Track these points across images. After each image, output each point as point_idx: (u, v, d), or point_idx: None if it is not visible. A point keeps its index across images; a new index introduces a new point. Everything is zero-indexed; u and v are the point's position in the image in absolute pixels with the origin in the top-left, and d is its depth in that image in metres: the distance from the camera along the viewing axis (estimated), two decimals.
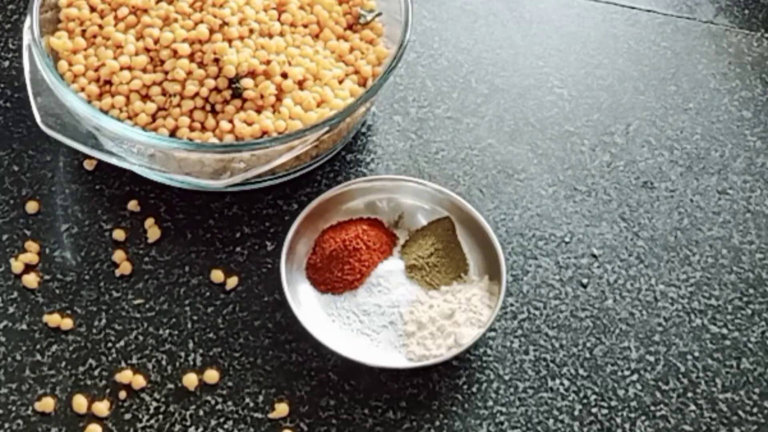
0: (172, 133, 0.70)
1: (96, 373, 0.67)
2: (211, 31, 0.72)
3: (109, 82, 0.72)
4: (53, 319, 0.69)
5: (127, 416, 0.66)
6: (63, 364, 0.68)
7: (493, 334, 0.70)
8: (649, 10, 0.90)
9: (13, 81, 0.82)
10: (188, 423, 0.65)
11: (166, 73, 0.72)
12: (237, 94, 0.71)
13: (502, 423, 0.66)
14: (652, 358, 0.69)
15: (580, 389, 0.68)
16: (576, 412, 0.67)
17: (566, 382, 0.68)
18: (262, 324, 0.70)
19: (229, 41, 0.72)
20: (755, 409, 0.67)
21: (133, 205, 0.75)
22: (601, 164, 0.79)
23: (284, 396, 0.67)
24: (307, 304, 0.69)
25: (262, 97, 0.71)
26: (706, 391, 0.68)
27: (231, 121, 0.71)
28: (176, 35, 0.72)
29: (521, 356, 0.69)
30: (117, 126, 0.68)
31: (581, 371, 0.69)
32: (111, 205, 0.75)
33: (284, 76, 0.72)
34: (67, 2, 0.75)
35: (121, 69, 0.72)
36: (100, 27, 0.74)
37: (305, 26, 0.76)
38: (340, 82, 0.74)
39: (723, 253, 0.74)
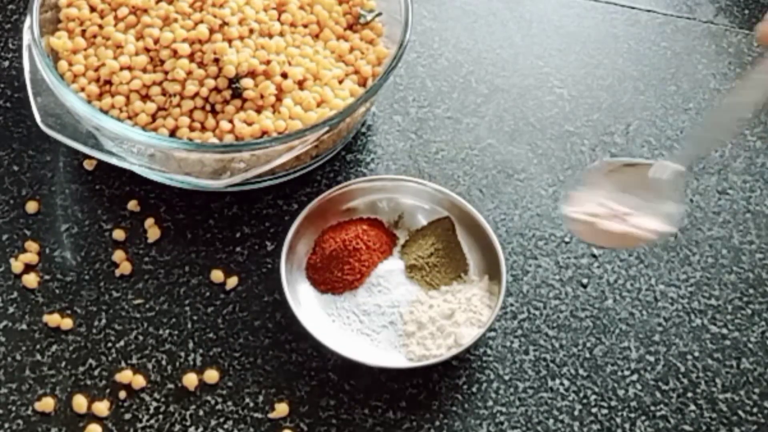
0: (172, 133, 0.71)
1: (96, 373, 0.67)
2: (211, 31, 0.72)
3: (109, 82, 0.72)
4: (53, 319, 0.69)
5: (127, 416, 0.66)
6: (63, 364, 0.68)
7: (493, 334, 0.70)
8: (649, 10, 0.90)
9: (13, 81, 0.82)
10: (188, 423, 0.65)
11: (166, 73, 0.72)
12: (237, 94, 0.71)
13: (502, 423, 0.66)
14: (652, 358, 0.69)
15: (580, 389, 0.68)
16: (576, 412, 0.67)
17: (566, 382, 0.68)
18: (262, 324, 0.70)
19: (229, 41, 0.72)
20: (755, 409, 0.67)
21: (133, 205, 0.75)
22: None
23: (284, 396, 0.67)
24: (307, 304, 0.69)
25: (262, 97, 0.71)
26: (706, 391, 0.68)
27: (231, 121, 0.71)
28: (176, 35, 0.72)
29: (521, 356, 0.69)
30: (117, 126, 0.68)
31: (581, 371, 0.69)
32: (111, 205, 0.75)
33: (284, 76, 0.72)
34: (67, 2, 0.75)
35: (121, 69, 0.72)
36: (100, 27, 0.74)
37: (305, 26, 0.76)
38: (340, 82, 0.74)
39: (723, 253, 0.74)
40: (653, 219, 0.59)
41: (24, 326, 0.69)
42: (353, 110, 0.70)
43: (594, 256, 0.74)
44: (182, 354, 0.68)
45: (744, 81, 0.55)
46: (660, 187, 0.59)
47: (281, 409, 0.66)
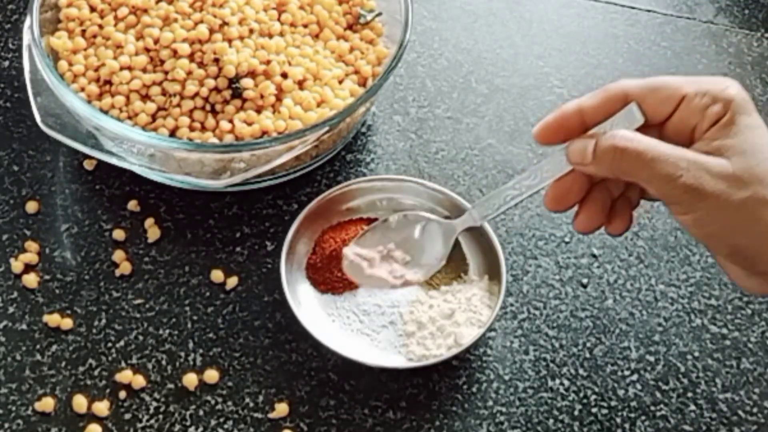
0: (172, 133, 0.71)
1: (96, 373, 0.67)
2: (211, 31, 0.72)
3: (109, 82, 0.72)
4: (53, 319, 0.69)
5: (127, 416, 0.66)
6: (63, 364, 0.68)
7: (493, 334, 0.70)
8: (649, 10, 0.90)
9: (13, 81, 0.82)
10: (188, 423, 0.65)
11: (166, 73, 0.72)
12: (237, 94, 0.71)
13: (502, 423, 0.66)
14: (652, 358, 0.69)
15: (580, 389, 0.68)
16: (576, 412, 0.67)
17: (566, 382, 0.68)
18: (262, 324, 0.70)
19: (229, 41, 0.72)
20: (755, 409, 0.67)
21: (133, 205, 0.75)
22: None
23: (284, 396, 0.67)
24: (307, 304, 0.69)
25: (262, 97, 0.71)
26: (706, 391, 0.68)
27: (231, 121, 0.71)
28: (176, 35, 0.72)
29: (521, 356, 0.69)
30: (117, 126, 0.69)
31: (581, 371, 0.69)
32: (111, 205, 0.75)
33: (284, 76, 0.72)
34: (67, 2, 0.75)
35: (121, 69, 0.72)
36: (100, 27, 0.74)
37: (305, 26, 0.76)
38: (340, 82, 0.74)
39: None
40: (417, 270, 0.68)
41: (24, 326, 0.69)
42: (353, 110, 0.70)
43: (594, 256, 0.74)
44: (182, 354, 0.68)
45: (527, 174, 0.61)
46: (434, 239, 0.67)
47: (281, 409, 0.66)
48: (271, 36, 0.74)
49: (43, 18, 0.74)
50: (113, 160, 0.70)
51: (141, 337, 0.69)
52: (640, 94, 0.56)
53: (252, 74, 0.71)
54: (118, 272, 0.72)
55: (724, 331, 0.71)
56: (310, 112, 0.71)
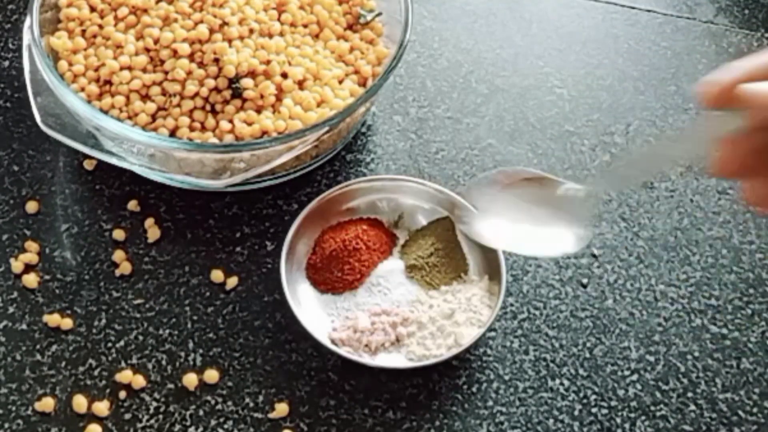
0: (172, 133, 0.71)
1: (96, 373, 0.67)
2: (211, 31, 0.72)
3: (109, 82, 0.72)
4: (53, 319, 0.69)
5: (127, 416, 0.66)
6: (63, 364, 0.68)
7: (493, 334, 0.70)
8: (649, 10, 0.90)
9: (13, 81, 0.82)
10: (188, 423, 0.65)
11: (166, 73, 0.72)
12: (237, 94, 0.71)
13: (502, 423, 0.66)
14: (652, 358, 0.69)
15: (580, 389, 0.68)
16: (576, 412, 0.67)
17: (566, 382, 0.68)
18: (262, 324, 0.70)
19: (229, 41, 0.72)
20: (755, 409, 0.67)
21: (133, 205, 0.75)
22: (601, 164, 0.79)
23: (284, 396, 0.67)
24: (307, 304, 0.69)
25: (262, 97, 0.71)
26: (706, 391, 0.68)
27: (231, 121, 0.71)
28: (176, 35, 0.72)
29: (521, 356, 0.69)
30: (117, 126, 0.68)
31: (581, 371, 0.69)
32: (111, 205, 0.75)
33: (284, 76, 0.72)
34: (67, 2, 0.75)
35: (121, 69, 0.72)
36: (100, 27, 0.74)
37: (305, 26, 0.76)
38: (340, 82, 0.74)
39: (723, 253, 0.74)
40: (568, 232, 0.56)
41: (24, 326, 0.69)
42: (353, 110, 0.70)
43: (594, 256, 0.74)
44: (182, 354, 0.68)
45: (680, 135, 0.52)
46: (569, 207, 0.55)
47: (281, 409, 0.66)
48: (271, 36, 0.74)
49: (43, 18, 0.74)
50: (113, 160, 0.70)
51: (141, 337, 0.69)
52: None
53: (252, 74, 0.71)
54: (118, 272, 0.72)
55: (724, 331, 0.71)
56: (310, 112, 0.71)
